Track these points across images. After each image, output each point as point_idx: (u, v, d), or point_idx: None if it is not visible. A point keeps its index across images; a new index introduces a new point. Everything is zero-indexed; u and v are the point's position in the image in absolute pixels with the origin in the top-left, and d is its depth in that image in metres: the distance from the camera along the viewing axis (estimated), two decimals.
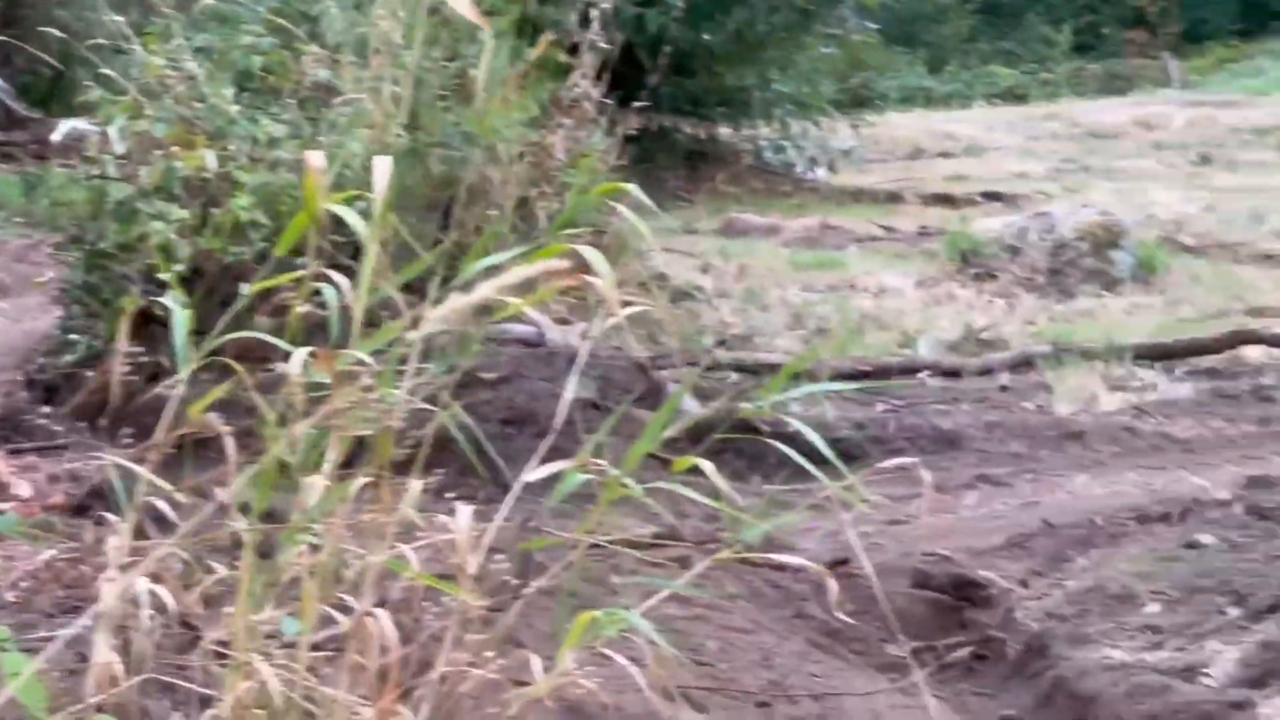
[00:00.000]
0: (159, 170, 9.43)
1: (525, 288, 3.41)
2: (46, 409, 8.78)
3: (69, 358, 9.88)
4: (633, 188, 3.70)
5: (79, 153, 9.91)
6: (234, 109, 10.31)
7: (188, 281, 9.38)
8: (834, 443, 8.72)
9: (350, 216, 3.21)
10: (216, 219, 9.28)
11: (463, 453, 8.00)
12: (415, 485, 3.38)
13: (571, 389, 4.07)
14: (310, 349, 3.20)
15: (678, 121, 20.67)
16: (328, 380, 3.29)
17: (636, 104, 11.76)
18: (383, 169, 3.25)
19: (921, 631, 6.37)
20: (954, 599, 6.42)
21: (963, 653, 6.07)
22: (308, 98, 10.68)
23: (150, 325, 9.45)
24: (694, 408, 9.20)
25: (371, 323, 3.42)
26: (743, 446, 8.72)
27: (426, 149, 9.97)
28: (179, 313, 3.26)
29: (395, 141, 9.93)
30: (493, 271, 3.22)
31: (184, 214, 9.19)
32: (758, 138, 22.36)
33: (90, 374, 9.09)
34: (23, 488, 5.59)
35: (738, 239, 16.14)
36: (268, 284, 3.35)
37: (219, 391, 3.28)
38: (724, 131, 22.11)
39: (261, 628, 3.32)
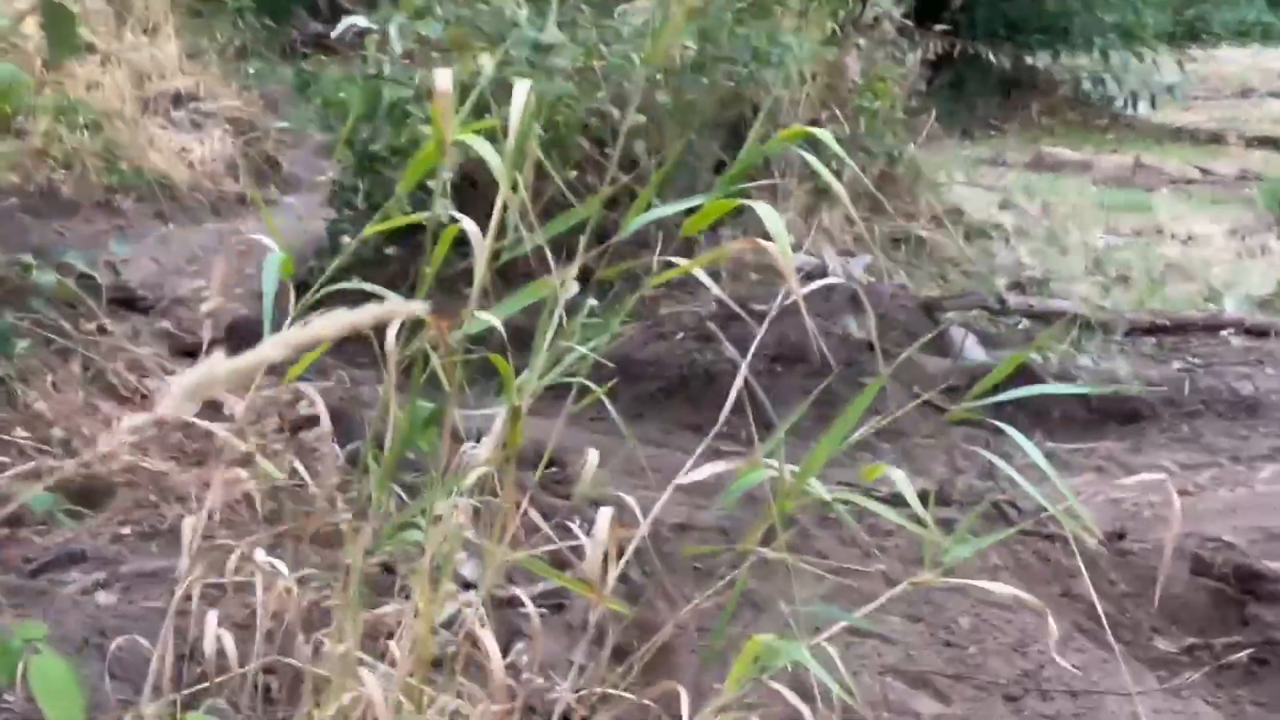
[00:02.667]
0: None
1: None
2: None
3: (335, 262, 9.65)
4: (822, 133, 3.19)
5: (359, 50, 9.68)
6: (522, 13, 9.98)
7: (458, 189, 9.09)
8: (1123, 402, 8.22)
9: (486, 151, 2.76)
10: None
11: (727, 390, 7.52)
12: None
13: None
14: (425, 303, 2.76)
15: (993, 47, 19.87)
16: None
17: (939, 26, 11.19)
18: (520, 93, 2.79)
19: (1199, 625, 5.80)
20: (1237, 591, 5.82)
21: (1242, 654, 5.47)
22: (598, 3, 10.32)
23: (417, 233, 9.19)
24: (979, 354, 8.69)
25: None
26: (1026, 399, 8.20)
27: (714, 64, 9.51)
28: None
29: (682, 54, 9.51)
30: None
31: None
32: (1077, 68, 21.36)
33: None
34: (237, 406, 5.22)
35: (1046, 174, 15.41)
36: (395, 223, 2.93)
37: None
38: (1041, 60, 21.18)
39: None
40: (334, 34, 10.18)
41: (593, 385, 3.03)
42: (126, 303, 6.13)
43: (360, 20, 9.57)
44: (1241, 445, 7.90)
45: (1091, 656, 5.45)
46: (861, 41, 10.22)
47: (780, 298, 3.76)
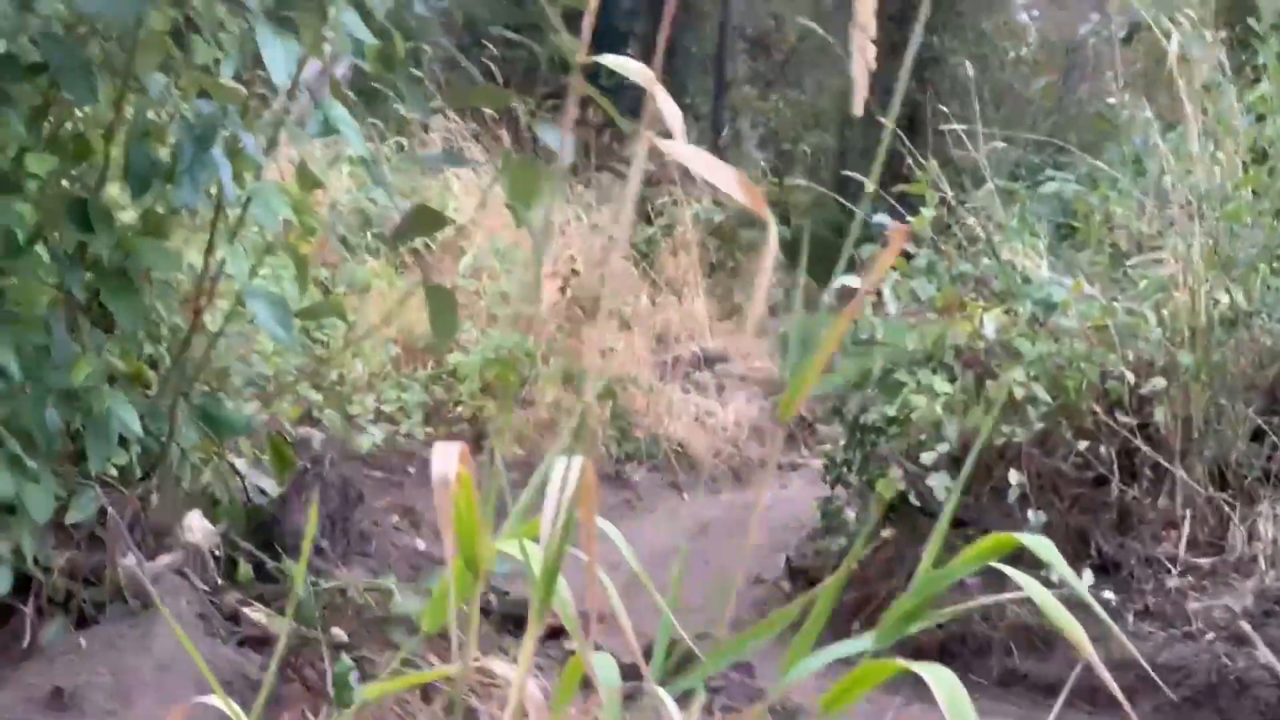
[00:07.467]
0: (931, 336, 8.35)
1: None
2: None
3: (830, 544, 8.93)
4: (1037, 541, 2.23)
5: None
6: (1043, 265, 9.17)
7: (957, 462, 8.21)
8: None
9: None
10: (989, 393, 8.10)
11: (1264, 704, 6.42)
12: None
13: None
14: None
15: None
16: None
17: None
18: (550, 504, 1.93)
19: None
20: None
21: None
22: (1119, 253, 9.42)
23: (912, 511, 8.34)
24: None
25: None
26: None
27: (1245, 318, 8.41)
28: None
29: (1208, 308, 8.47)
30: None
31: (949, 388, 8.06)
32: None
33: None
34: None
35: None
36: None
37: None
38: None
39: None
40: (824, 295, 9.47)
41: None
42: (520, 621, 5.18)
43: (852, 280, 8.85)
44: None
45: None
46: None
47: None
